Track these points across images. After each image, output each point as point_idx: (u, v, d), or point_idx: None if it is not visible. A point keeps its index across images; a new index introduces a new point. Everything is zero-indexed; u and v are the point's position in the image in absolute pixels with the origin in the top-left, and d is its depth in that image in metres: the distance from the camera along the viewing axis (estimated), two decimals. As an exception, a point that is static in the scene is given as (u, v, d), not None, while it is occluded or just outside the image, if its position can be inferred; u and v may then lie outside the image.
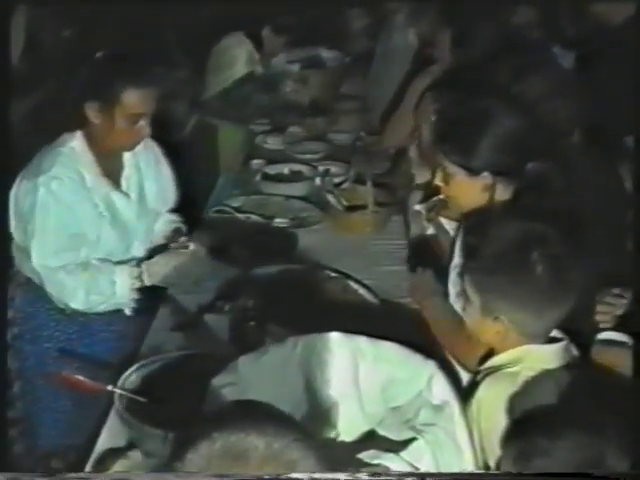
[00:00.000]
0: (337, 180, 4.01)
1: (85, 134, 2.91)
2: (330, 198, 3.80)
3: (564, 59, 3.43)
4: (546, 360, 2.06)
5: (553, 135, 2.69)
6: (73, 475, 1.65)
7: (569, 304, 2.07)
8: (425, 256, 2.93)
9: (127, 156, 3.03)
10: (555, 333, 2.11)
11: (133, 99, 2.81)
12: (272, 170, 4.26)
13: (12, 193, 2.87)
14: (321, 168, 4.22)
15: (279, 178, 4.20)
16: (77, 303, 2.90)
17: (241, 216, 3.77)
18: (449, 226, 2.85)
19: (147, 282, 2.96)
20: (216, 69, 4.72)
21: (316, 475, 1.27)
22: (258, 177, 4.17)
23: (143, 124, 2.87)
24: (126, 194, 3.02)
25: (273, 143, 4.65)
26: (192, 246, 3.02)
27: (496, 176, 2.53)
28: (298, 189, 4.03)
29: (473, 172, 2.54)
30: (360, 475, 1.44)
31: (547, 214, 2.24)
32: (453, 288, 2.46)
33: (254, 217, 3.75)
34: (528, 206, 2.45)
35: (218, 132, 4.57)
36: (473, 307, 2.12)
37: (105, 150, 2.94)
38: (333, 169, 4.21)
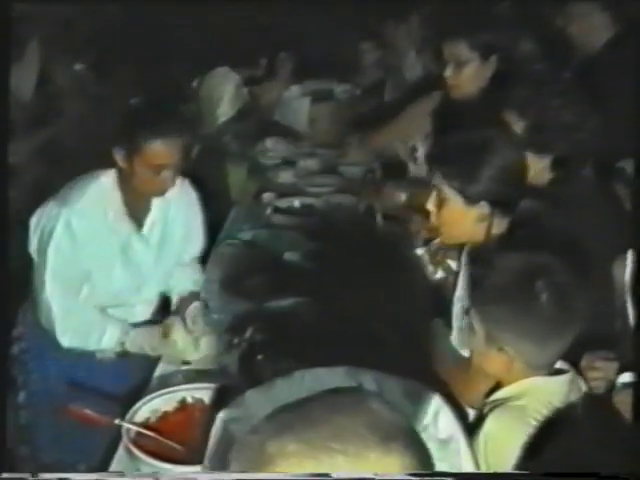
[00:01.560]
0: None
1: (117, 172, 2.91)
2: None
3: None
4: (552, 392, 2.05)
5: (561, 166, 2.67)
6: (74, 476, 1.64)
7: (573, 333, 2.06)
8: (435, 301, 2.90)
9: (156, 200, 3.01)
10: (561, 365, 2.11)
11: (156, 150, 2.78)
12: (283, 203, 4.27)
13: (37, 212, 2.88)
14: (332, 201, 4.23)
15: (290, 211, 4.21)
16: (64, 341, 2.90)
17: (252, 249, 3.76)
18: (457, 267, 2.82)
19: (129, 349, 2.94)
20: (207, 106, 4.49)
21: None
22: (269, 210, 4.19)
23: (168, 175, 2.83)
24: (146, 238, 3.02)
25: (284, 176, 4.67)
26: (176, 324, 2.95)
27: (494, 207, 2.44)
28: (309, 222, 4.03)
29: (470, 200, 2.46)
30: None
31: (549, 245, 2.22)
32: (456, 321, 2.45)
33: (265, 250, 3.75)
34: (525, 239, 2.40)
35: (225, 166, 4.54)
36: (477, 338, 2.12)
37: (134, 193, 2.93)
38: (343, 202, 4.21)
